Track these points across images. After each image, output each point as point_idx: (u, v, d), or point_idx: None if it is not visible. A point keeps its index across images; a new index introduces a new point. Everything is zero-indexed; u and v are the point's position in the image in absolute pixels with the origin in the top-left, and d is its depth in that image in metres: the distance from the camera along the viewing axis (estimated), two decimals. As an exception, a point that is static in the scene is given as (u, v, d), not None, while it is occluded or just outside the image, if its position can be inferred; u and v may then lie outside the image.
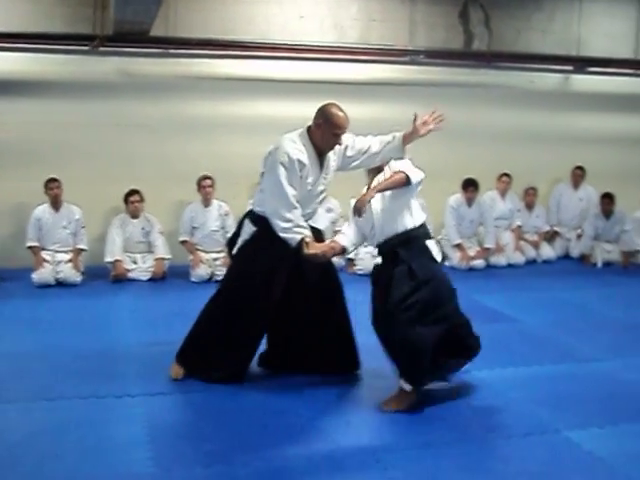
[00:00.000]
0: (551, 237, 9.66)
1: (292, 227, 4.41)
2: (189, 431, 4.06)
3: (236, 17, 8.64)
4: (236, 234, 4.80)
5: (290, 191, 4.39)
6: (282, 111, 8.17)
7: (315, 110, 4.53)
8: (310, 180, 4.49)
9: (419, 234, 4.51)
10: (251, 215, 4.70)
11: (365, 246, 8.25)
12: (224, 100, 8.56)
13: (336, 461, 3.71)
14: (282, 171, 4.37)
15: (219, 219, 8.08)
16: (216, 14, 8.53)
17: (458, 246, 8.79)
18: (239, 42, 8.53)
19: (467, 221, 8.92)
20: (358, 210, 4.33)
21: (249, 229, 4.66)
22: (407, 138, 4.52)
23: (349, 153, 4.60)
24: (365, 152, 4.58)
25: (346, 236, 4.63)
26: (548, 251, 9.41)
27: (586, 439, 3.96)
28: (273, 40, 8.65)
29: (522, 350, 5.36)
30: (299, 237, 4.40)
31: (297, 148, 4.44)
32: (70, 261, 7.67)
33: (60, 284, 7.48)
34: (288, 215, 4.40)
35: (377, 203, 4.44)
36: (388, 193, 4.42)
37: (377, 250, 4.57)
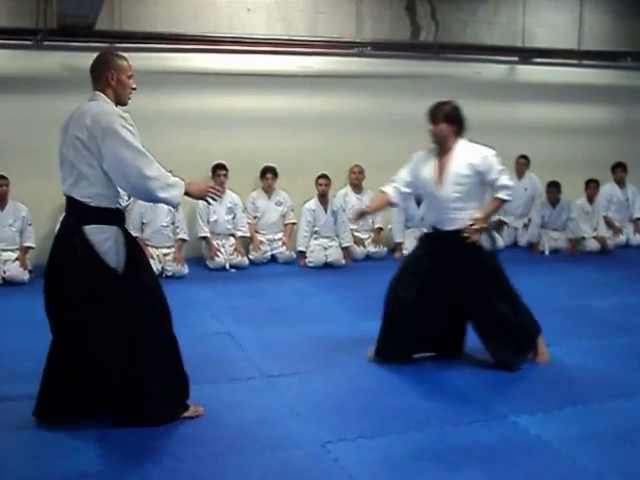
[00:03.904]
0: (498, 226, 9.78)
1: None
2: (139, 430, 4.01)
3: (183, 10, 8.58)
4: None
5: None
6: (229, 105, 8.07)
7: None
8: None
9: None
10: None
11: (316, 239, 8.37)
12: (171, 94, 8.47)
13: (285, 453, 3.72)
14: (127, 133, 3.80)
15: (169, 214, 8.00)
16: (162, 7, 8.46)
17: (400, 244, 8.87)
18: (186, 36, 8.47)
19: (417, 219, 8.82)
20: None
21: None
22: None
23: None
24: None
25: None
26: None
27: (533, 424, 4.04)
28: (220, 33, 8.61)
29: (468, 337, 5.42)
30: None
31: (117, 109, 3.93)
32: (17, 259, 7.56)
33: (7, 283, 7.37)
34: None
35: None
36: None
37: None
